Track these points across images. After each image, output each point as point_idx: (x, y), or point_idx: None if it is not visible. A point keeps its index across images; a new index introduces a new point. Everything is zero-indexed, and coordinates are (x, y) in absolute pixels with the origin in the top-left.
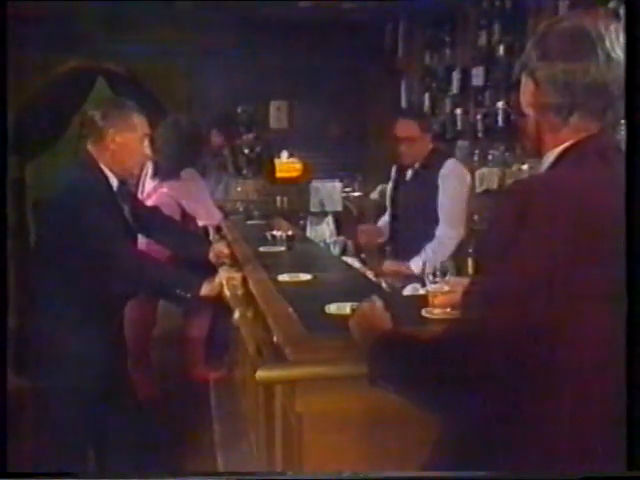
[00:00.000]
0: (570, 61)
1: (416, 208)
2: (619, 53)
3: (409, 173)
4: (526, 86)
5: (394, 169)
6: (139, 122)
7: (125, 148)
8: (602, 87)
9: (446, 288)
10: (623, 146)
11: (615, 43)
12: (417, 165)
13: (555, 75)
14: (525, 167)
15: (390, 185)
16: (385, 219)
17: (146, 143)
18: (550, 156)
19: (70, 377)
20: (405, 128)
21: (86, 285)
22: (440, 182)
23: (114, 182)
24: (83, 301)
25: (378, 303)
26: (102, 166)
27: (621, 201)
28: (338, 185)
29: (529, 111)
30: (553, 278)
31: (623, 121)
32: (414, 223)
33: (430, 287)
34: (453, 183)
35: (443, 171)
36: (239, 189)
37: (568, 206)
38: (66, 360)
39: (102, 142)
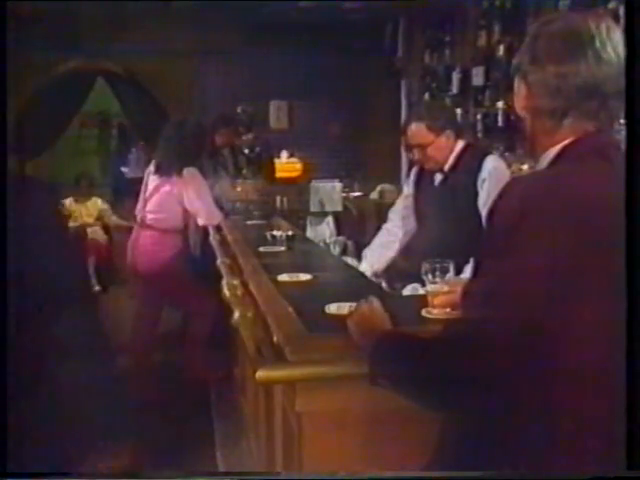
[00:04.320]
0: (560, 64)
1: (444, 217)
2: (610, 52)
3: (437, 177)
4: (519, 90)
5: (414, 171)
6: None
7: None
8: (594, 88)
9: (446, 288)
10: (623, 145)
11: (607, 42)
12: (447, 168)
13: (546, 79)
14: (525, 167)
15: (410, 191)
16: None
17: None
18: (549, 155)
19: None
20: (413, 134)
21: None
22: (480, 187)
23: None
24: None
25: (376, 303)
26: None
27: (620, 198)
28: (338, 185)
29: (524, 114)
30: (552, 276)
31: (623, 121)
32: (440, 234)
33: (430, 287)
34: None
35: (483, 174)
36: (239, 189)
37: (566, 203)
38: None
39: None
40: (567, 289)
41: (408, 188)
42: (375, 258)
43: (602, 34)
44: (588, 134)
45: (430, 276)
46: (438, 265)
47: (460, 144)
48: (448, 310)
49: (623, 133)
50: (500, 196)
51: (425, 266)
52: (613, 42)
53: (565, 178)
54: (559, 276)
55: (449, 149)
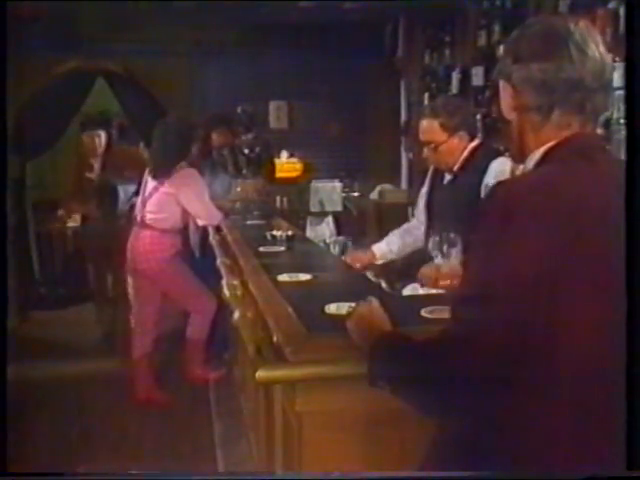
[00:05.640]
0: (543, 60)
1: (449, 217)
2: (592, 47)
3: (447, 176)
4: (505, 91)
5: (430, 170)
6: None
7: None
8: (578, 81)
9: (455, 262)
10: (608, 146)
11: (587, 38)
12: (456, 168)
13: (531, 75)
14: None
15: (425, 189)
16: (404, 228)
17: None
18: (534, 156)
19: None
20: (424, 130)
21: None
22: (484, 191)
23: None
24: None
25: (375, 303)
26: None
27: (604, 198)
28: (338, 185)
29: (511, 115)
30: (539, 276)
31: (623, 121)
32: (446, 233)
33: (437, 261)
34: None
35: (487, 179)
36: (239, 189)
37: (552, 204)
38: None
39: None
40: (555, 289)
41: (424, 187)
42: (395, 243)
43: (581, 30)
44: (572, 135)
45: (437, 251)
46: (445, 236)
47: (472, 144)
48: (453, 282)
49: (623, 133)
50: (486, 199)
51: (434, 239)
52: (593, 39)
53: (549, 179)
54: (546, 276)
55: (461, 151)
